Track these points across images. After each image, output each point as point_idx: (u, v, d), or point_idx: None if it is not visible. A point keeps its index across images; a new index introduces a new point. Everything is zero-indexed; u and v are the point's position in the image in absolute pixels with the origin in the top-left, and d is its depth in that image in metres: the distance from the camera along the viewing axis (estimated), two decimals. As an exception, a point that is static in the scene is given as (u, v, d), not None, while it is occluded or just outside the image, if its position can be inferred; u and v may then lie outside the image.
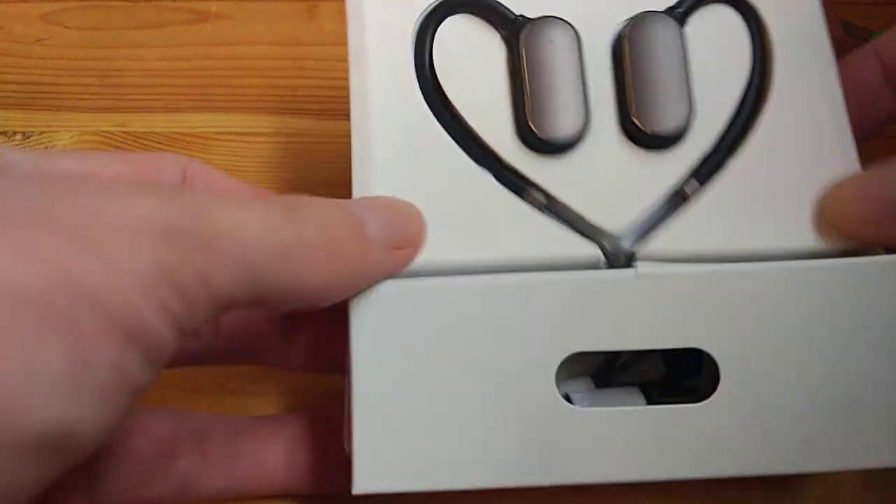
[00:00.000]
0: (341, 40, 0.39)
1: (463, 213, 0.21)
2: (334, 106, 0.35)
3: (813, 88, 0.22)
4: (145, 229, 0.15)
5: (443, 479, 0.20)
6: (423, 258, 0.21)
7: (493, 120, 0.22)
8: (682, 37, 0.23)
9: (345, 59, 0.37)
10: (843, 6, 0.38)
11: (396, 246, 0.20)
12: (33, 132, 0.34)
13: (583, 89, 0.22)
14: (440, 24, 0.23)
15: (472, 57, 0.23)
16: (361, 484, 0.20)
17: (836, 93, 0.22)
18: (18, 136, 0.34)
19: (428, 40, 0.23)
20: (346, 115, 0.35)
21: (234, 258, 0.16)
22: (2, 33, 0.38)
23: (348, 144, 0.34)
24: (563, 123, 0.21)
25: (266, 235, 0.17)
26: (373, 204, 0.21)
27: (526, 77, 0.22)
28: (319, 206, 0.19)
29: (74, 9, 0.39)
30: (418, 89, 0.23)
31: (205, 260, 0.16)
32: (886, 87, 0.25)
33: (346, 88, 0.35)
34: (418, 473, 0.20)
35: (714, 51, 0.23)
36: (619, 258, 0.21)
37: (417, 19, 0.23)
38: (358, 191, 0.21)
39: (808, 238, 0.21)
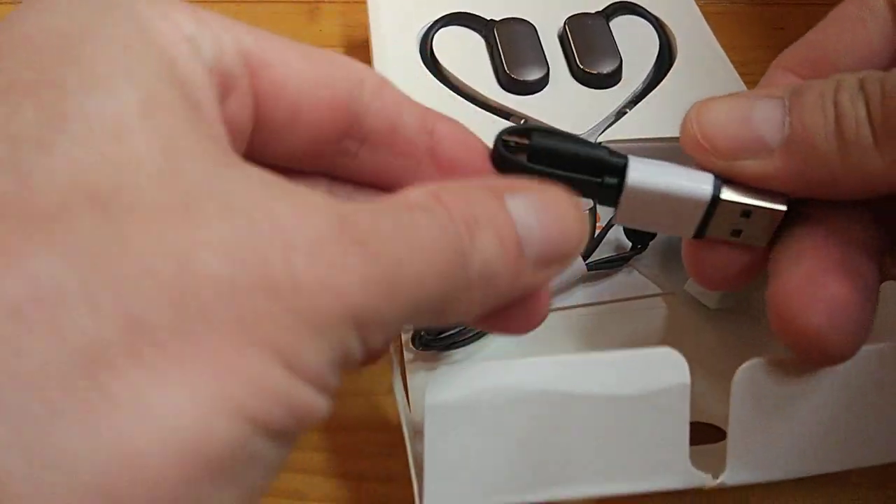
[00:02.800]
0: (341, 42, 0.39)
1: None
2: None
3: (704, 53, 0.33)
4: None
5: None
6: None
7: (480, 78, 0.31)
8: (608, 24, 0.33)
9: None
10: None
11: (549, 265, 0.16)
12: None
13: (542, 52, 0.31)
14: (438, 31, 0.33)
15: (460, 47, 0.32)
16: None
17: (723, 56, 0.32)
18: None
19: (429, 39, 0.32)
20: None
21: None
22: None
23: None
24: (531, 69, 0.31)
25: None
26: (539, 207, 0.16)
27: (500, 48, 0.31)
28: (488, 234, 0.15)
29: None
30: (423, 65, 0.31)
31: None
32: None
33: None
34: None
35: (632, 37, 0.33)
36: None
37: (422, 28, 0.33)
38: None
39: None
